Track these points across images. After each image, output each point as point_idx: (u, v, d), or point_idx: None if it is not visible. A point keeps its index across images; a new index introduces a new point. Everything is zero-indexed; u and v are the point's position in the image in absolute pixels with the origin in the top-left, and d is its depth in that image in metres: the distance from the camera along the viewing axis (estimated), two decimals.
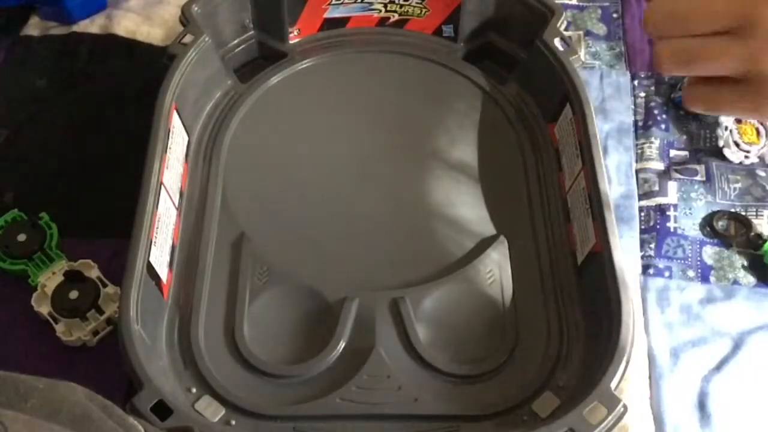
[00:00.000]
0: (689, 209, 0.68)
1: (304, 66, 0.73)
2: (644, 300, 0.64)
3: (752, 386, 0.59)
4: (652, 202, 0.69)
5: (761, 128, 0.71)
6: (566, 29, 0.69)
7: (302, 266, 0.61)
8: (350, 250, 0.63)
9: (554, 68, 0.66)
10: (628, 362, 0.51)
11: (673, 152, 0.73)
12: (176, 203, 0.62)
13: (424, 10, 0.74)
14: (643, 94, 0.77)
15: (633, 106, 0.76)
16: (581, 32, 0.82)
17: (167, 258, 0.58)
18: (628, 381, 0.58)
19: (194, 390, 0.54)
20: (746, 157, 0.70)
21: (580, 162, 0.61)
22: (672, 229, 0.67)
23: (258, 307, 0.58)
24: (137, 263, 0.53)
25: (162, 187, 0.58)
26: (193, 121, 0.68)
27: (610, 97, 0.76)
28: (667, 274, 0.65)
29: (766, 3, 0.36)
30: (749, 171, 0.70)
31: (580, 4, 0.84)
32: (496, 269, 0.60)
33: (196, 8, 0.68)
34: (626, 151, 0.72)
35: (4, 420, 0.37)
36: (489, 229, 0.63)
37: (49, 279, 0.61)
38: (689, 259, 0.66)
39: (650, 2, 0.41)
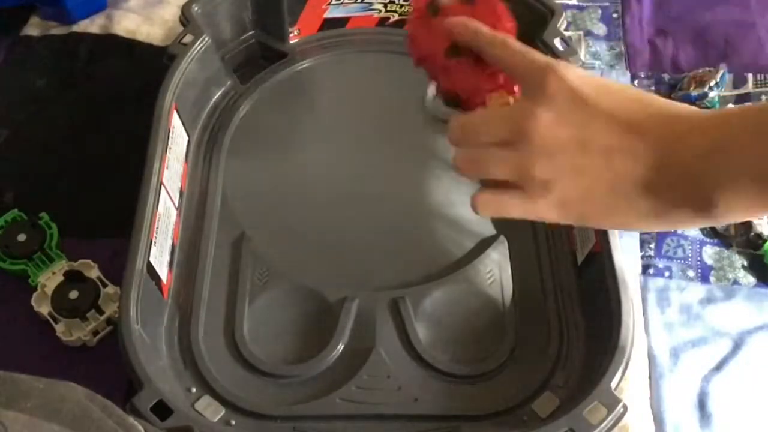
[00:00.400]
0: None
1: (304, 66, 0.73)
2: (644, 300, 0.64)
3: (752, 386, 0.59)
4: None
5: None
6: (566, 29, 0.69)
7: (302, 266, 0.61)
8: (350, 250, 0.63)
9: None
10: (627, 362, 0.51)
11: None
12: (176, 203, 0.62)
13: None
14: None
15: None
16: (581, 32, 0.82)
17: (167, 258, 0.58)
18: (628, 381, 0.58)
19: (194, 390, 0.54)
20: None
21: None
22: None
23: (258, 307, 0.58)
24: (137, 263, 0.53)
25: (162, 187, 0.58)
26: (193, 121, 0.68)
27: None
28: (667, 274, 0.65)
29: (530, 119, 0.43)
30: None
31: (580, 4, 0.84)
32: (496, 269, 0.60)
33: (196, 8, 0.68)
34: None
35: (4, 420, 0.37)
36: (489, 229, 0.63)
37: (49, 279, 0.61)
38: (689, 259, 0.66)
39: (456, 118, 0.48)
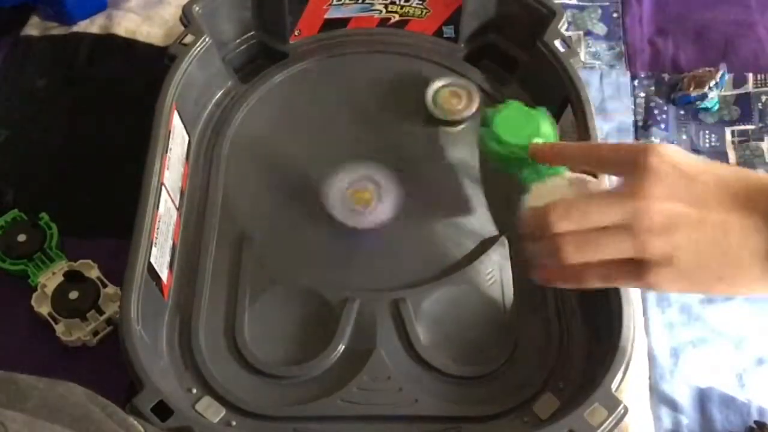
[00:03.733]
0: None
1: (305, 66, 0.73)
2: (644, 300, 0.64)
3: (752, 386, 0.59)
4: None
5: None
6: (566, 29, 0.69)
7: (303, 267, 0.61)
8: (351, 251, 0.62)
9: (555, 69, 0.66)
10: (628, 363, 0.51)
11: None
12: (177, 203, 0.61)
13: (424, 11, 0.74)
14: (643, 94, 0.77)
15: (633, 106, 0.76)
16: (581, 32, 0.82)
17: (168, 258, 0.58)
18: (628, 381, 0.58)
19: (195, 390, 0.54)
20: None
21: None
22: None
23: (258, 307, 0.58)
24: (138, 264, 0.53)
25: (162, 187, 0.58)
26: (194, 121, 0.68)
27: (610, 97, 0.76)
28: None
29: (643, 198, 0.45)
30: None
31: (580, 4, 0.84)
32: (497, 270, 0.60)
33: (196, 8, 0.68)
34: None
35: (4, 420, 0.36)
36: (490, 230, 0.63)
37: (49, 279, 0.61)
38: None
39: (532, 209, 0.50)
